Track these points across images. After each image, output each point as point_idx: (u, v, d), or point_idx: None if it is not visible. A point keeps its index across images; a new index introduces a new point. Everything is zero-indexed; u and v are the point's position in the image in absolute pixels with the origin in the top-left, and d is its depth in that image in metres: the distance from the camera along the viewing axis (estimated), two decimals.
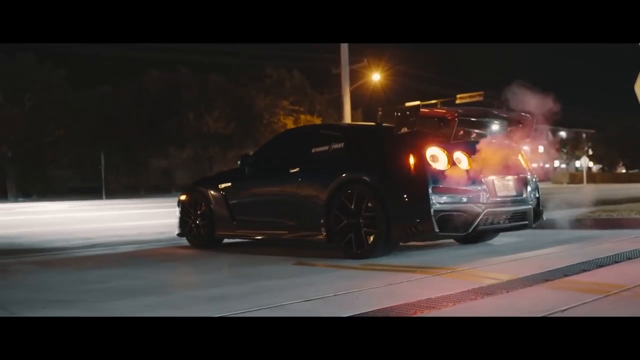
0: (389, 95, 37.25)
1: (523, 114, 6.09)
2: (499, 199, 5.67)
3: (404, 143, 5.52)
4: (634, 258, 4.95)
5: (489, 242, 6.66)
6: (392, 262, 5.22)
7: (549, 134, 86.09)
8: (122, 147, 44.62)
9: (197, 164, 41.98)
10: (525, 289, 3.79)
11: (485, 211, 5.48)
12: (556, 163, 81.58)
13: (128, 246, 8.00)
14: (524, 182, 6.06)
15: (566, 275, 4.22)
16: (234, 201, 7.14)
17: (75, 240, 9.28)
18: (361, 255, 5.55)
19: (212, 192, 7.40)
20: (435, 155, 5.39)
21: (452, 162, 5.43)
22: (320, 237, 5.97)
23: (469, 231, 5.47)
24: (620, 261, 4.82)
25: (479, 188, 5.51)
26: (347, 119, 21.90)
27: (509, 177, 5.87)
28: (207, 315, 3.35)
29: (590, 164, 78.08)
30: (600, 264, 4.70)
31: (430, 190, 5.23)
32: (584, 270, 4.44)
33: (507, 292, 3.70)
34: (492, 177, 5.65)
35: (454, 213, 5.35)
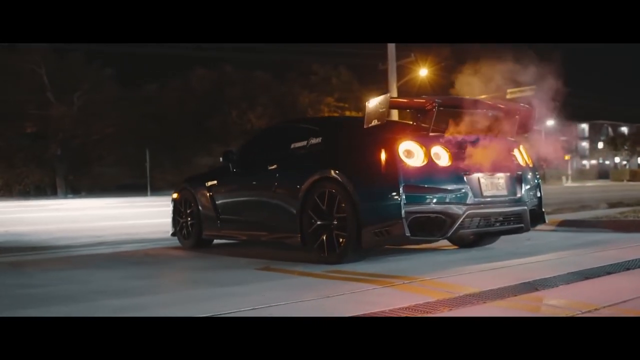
0: (437, 91, 36.26)
1: (521, 104, 5.45)
2: (486, 200, 5.04)
3: (374, 137, 4.97)
4: (633, 269, 4.28)
5: (488, 246, 6.05)
6: (358, 269, 4.70)
7: (609, 129, 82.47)
8: (167, 144, 45.17)
9: None
10: (474, 306, 3.22)
11: (467, 213, 4.86)
12: (616, 159, 78.02)
13: (130, 245, 7.79)
14: (519, 181, 5.39)
15: (537, 290, 3.63)
16: (219, 200, 6.77)
17: (82, 238, 9.13)
18: (330, 260, 5.06)
19: (200, 190, 7.05)
20: (410, 150, 4.82)
21: (429, 158, 4.84)
22: (298, 239, 5.51)
23: (447, 235, 4.87)
24: (614, 272, 4.16)
25: (461, 187, 4.90)
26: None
27: (500, 175, 5.23)
28: None
29: None
30: (588, 275, 4.06)
31: (401, 189, 4.66)
32: (565, 283, 3.83)
33: (450, 309, 3.15)
34: (477, 175, 5.03)
35: (430, 215, 4.76)
